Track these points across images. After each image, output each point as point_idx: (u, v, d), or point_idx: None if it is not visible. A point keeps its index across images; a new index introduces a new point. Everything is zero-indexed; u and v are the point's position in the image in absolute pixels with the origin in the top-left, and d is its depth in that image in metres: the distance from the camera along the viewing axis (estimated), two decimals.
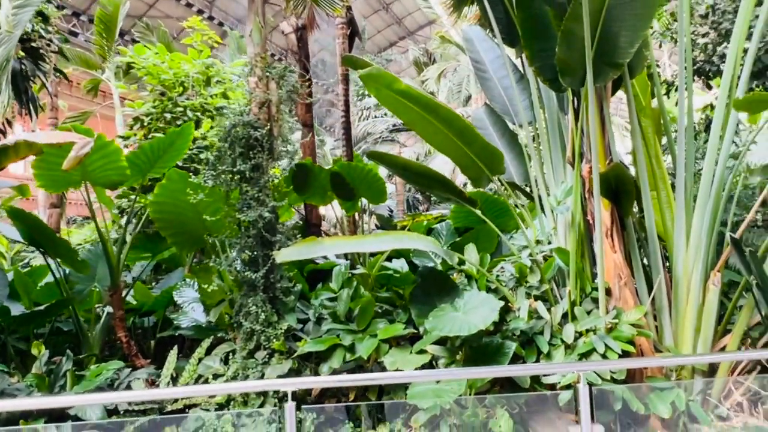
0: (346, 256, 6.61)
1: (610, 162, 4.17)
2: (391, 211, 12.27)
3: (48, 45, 6.60)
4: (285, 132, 4.44)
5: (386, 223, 8.47)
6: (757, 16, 4.23)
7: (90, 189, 5.06)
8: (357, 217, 6.65)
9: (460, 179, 11.93)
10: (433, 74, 14.95)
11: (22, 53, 5.75)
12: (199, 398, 4.28)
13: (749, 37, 4.44)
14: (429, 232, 7.06)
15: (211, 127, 8.02)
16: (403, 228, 7.48)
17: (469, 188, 8.16)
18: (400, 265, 4.95)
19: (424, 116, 3.88)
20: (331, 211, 9.22)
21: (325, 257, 6.19)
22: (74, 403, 3.70)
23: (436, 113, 3.87)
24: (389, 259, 5.66)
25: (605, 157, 4.20)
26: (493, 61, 6.11)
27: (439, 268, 5.17)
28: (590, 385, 3.04)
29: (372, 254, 6.05)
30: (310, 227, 6.54)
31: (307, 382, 3.51)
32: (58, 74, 7.09)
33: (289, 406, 2.63)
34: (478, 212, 5.08)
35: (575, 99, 4.35)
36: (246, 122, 4.24)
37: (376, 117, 17.73)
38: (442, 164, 11.09)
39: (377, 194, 5.39)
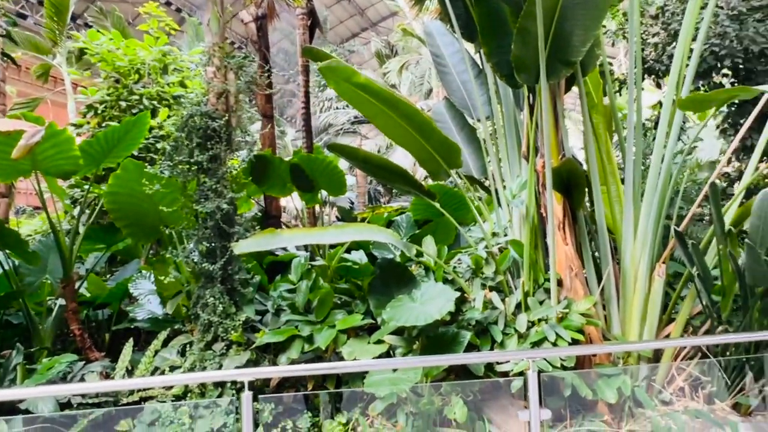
0: (306, 247, 6.62)
1: (563, 157, 4.31)
2: (352, 203, 12.31)
3: None
4: (244, 123, 4.40)
5: (347, 215, 8.50)
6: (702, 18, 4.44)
7: (41, 178, 4.90)
8: (318, 209, 6.66)
9: (420, 172, 12.05)
10: (394, 67, 14.99)
11: None
12: (155, 390, 4.24)
13: (696, 38, 4.66)
14: (389, 224, 7.14)
15: (169, 116, 7.86)
16: (362, 220, 7.53)
17: (431, 182, 8.29)
18: (359, 257, 5.00)
19: (384, 110, 3.93)
20: (292, 202, 9.20)
21: (285, 249, 6.18)
22: (27, 395, 3.61)
23: (396, 107, 3.92)
24: (349, 251, 5.71)
25: (558, 152, 4.34)
26: (453, 56, 6.20)
27: (398, 260, 5.25)
28: (540, 372, 3.16)
29: (332, 246, 6.08)
30: (270, 219, 6.51)
31: (263, 372, 3.53)
32: (5, 59, 6.78)
33: (246, 395, 2.65)
34: (437, 205, 5.16)
35: (530, 95, 4.47)
36: (203, 112, 4.19)
37: (337, 108, 17.66)
38: (403, 157, 11.18)
39: (337, 186, 5.42)
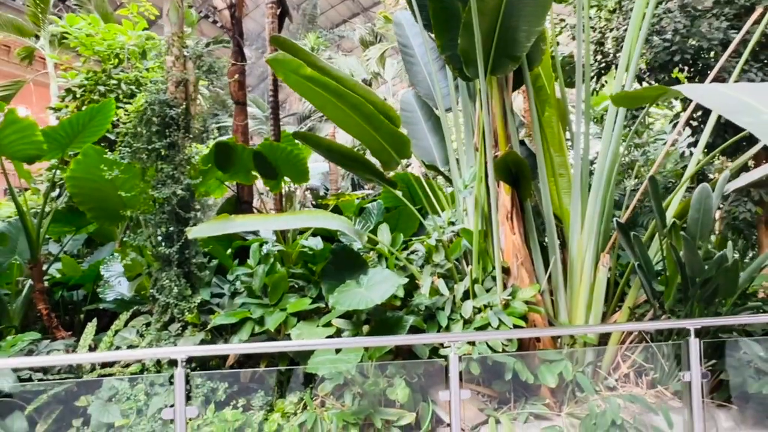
0: (275, 233, 6.75)
1: (510, 148, 4.44)
2: (327, 189, 12.42)
3: None
4: (205, 111, 4.51)
5: (317, 201, 8.61)
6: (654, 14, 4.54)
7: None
8: (284, 195, 6.79)
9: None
10: (374, 54, 15.00)
11: None
12: (114, 368, 4.41)
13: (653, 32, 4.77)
14: (361, 211, 7.27)
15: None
16: (326, 207, 7.67)
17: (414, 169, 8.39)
18: (315, 243, 5.14)
19: (333, 101, 4.04)
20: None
21: (255, 234, 6.33)
22: None
23: (343, 99, 4.03)
24: (326, 238, 5.84)
25: (506, 143, 4.47)
26: (420, 47, 6.29)
27: (359, 247, 5.40)
28: (461, 355, 3.31)
29: (301, 232, 6.23)
30: (242, 204, 6.65)
31: (195, 350, 3.69)
32: None
33: (178, 372, 2.81)
34: (399, 193, 5.31)
35: (481, 88, 4.59)
36: (162, 101, 4.30)
37: None
38: None
39: (299, 173, 5.55)
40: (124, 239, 4.61)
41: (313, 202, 8.84)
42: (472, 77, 4.29)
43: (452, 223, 5.13)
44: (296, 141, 6.05)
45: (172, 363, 4.35)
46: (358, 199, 8.17)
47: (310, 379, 4.37)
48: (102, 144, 5.98)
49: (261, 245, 4.93)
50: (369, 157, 7.27)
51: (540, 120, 4.48)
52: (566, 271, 4.80)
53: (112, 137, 7.03)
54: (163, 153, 4.31)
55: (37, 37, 11.26)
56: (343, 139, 12.90)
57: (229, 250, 5.76)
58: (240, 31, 6.98)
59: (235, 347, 3.73)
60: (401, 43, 6.41)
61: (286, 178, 6.09)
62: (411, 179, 6.52)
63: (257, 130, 14.63)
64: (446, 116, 5.48)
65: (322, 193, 11.25)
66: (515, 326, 4.20)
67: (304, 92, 4.12)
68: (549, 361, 4.39)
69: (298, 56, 5.02)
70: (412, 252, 5.24)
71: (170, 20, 4.37)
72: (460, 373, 3.24)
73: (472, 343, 4.10)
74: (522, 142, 5.33)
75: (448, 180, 6.10)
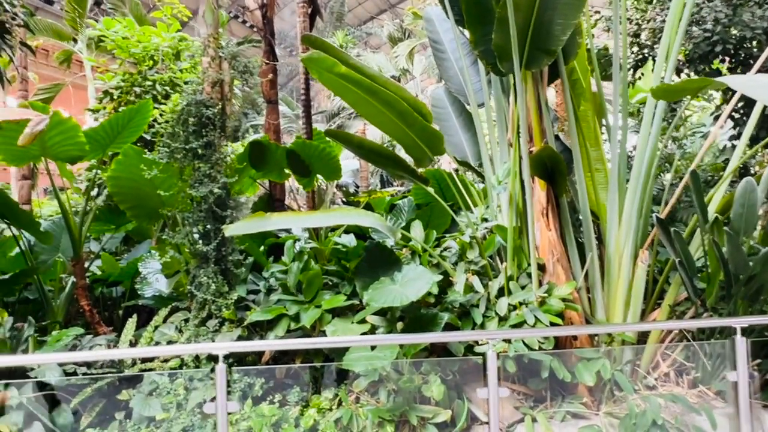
0: (308, 230, 6.82)
1: (546, 144, 4.37)
2: (357, 186, 12.45)
3: (13, 19, 6.61)
4: (237, 111, 4.59)
5: (348, 199, 8.64)
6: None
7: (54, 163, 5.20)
8: (317, 192, 6.84)
9: None
10: (403, 51, 14.94)
11: None
12: (155, 363, 4.52)
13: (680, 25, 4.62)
14: (392, 208, 7.28)
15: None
16: (357, 204, 7.70)
17: (445, 165, 8.37)
18: (348, 240, 5.17)
19: (366, 99, 4.05)
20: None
21: (288, 231, 6.40)
22: (27, 362, 3.92)
23: (377, 96, 4.03)
24: (358, 235, 5.88)
25: (542, 139, 4.41)
26: (451, 42, 6.25)
27: (392, 244, 5.41)
28: (499, 353, 3.29)
29: (333, 229, 6.27)
30: (274, 202, 6.73)
31: (235, 345, 3.75)
32: (24, 48, 7.10)
33: (219, 367, 2.86)
34: (431, 190, 5.29)
35: (515, 83, 4.53)
36: (198, 101, 4.38)
37: None
38: None
39: (332, 171, 5.58)
40: (163, 237, 4.71)
41: (343, 199, 8.89)
42: (507, 72, 4.24)
43: (485, 220, 5.09)
44: (328, 139, 6.08)
45: (211, 358, 4.45)
46: (388, 196, 8.17)
47: (344, 376, 4.40)
48: (138, 144, 6.13)
49: (294, 242, 4.98)
50: (400, 153, 7.28)
51: (576, 114, 4.40)
52: (603, 267, 4.71)
53: (148, 137, 7.21)
54: (200, 152, 4.38)
55: (75, 40, 11.59)
56: (373, 136, 12.92)
57: (262, 248, 5.85)
58: (271, 30, 7.06)
59: (274, 343, 3.77)
60: (432, 39, 6.38)
61: (318, 176, 6.16)
62: (443, 176, 6.49)
63: (287, 128, 14.77)
64: (478, 112, 5.42)
65: (352, 190, 11.29)
66: (552, 324, 4.15)
67: (337, 90, 4.14)
68: (587, 359, 4.32)
69: (330, 54, 5.06)
70: (445, 249, 5.22)
71: (206, 21, 4.44)
72: (498, 370, 3.20)
73: (508, 341, 4.07)
74: (556, 137, 5.24)
75: (480, 176, 6.05)
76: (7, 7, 6.33)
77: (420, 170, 5.97)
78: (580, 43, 4.23)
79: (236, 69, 4.46)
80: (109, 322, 5.67)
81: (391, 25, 17.67)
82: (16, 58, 7.39)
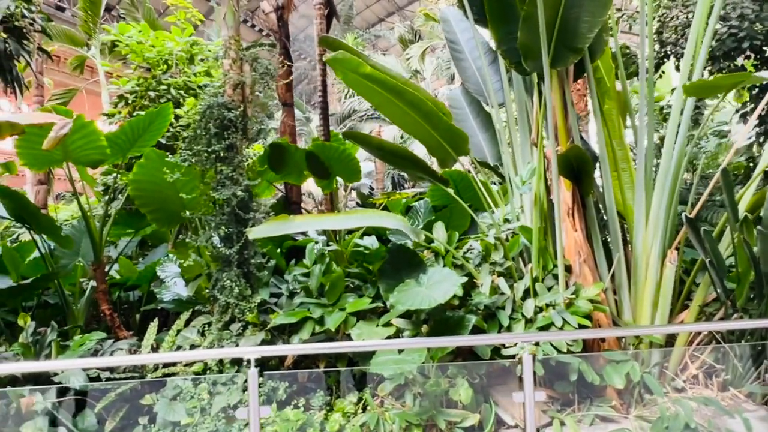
0: (325, 232, 6.79)
1: (572, 143, 4.31)
2: (372, 188, 12.39)
3: (31, 24, 6.63)
4: (259, 113, 4.56)
5: (365, 201, 8.60)
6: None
7: (73, 167, 5.20)
8: (335, 194, 6.81)
9: None
10: (416, 52, 14.90)
11: (4, 34, 5.80)
12: (177, 367, 4.49)
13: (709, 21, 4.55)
14: (408, 209, 7.23)
15: (195, 105, 8.09)
16: (377, 206, 7.65)
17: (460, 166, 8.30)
18: (370, 242, 5.13)
19: (391, 99, 4.01)
20: (316, 188, 9.36)
21: (304, 234, 6.37)
22: (53, 367, 3.90)
23: (402, 97, 4.00)
24: (369, 235, 5.83)
25: (567, 138, 4.35)
26: (468, 42, 6.20)
27: (411, 245, 5.36)
28: (535, 355, 3.23)
29: (350, 231, 6.23)
30: (291, 204, 6.70)
31: (268, 350, 3.71)
32: (41, 53, 7.12)
33: (252, 372, 2.82)
34: (451, 191, 5.24)
35: (539, 82, 4.48)
36: (220, 103, 4.36)
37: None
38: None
39: (351, 173, 5.54)
40: (186, 240, 4.69)
41: (359, 202, 8.84)
42: (532, 71, 4.19)
43: (507, 221, 5.03)
44: (345, 140, 6.06)
45: (235, 362, 4.42)
46: (404, 198, 8.12)
47: (367, 379, 4.36)
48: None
49: (314, 245, 4.95)
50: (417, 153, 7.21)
51: (603, 113, 4.34)
52: (629, 268, 4.63)
53: (163, 141, 7.21)
54: (222, 155, 4.36)
55: (88, 46, 11.65)
56: (388, 137, 12.87)
57: (278, 250, 5.82)
58: (287, 33, 7.05)
59: (305, 347, 3.74)
60: (449, 39, 6.33)
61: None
62: (462, 177, 6.44)
63: (297, 131, 14.76)
64: (498, 112, 5.37)
65: (366, 192, 11.24)
66: (580, 326, 4.09)
67: (362, 91, 4.10)
68: (615, 362, 4.25)
69: (347, 51, 5.03)
70: (467, 250, 5.16)
71: (226, 23, 4.42)
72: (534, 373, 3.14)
73: (536, 344, 4.00)
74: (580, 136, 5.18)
75: (500, 176, 6.00)
76: (26, 12, 6.35)
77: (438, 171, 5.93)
78: (606, 40, 4.17)
79: (257, 71, 4.43)
80: (127, 326, 5.65)
81: (402, 26, 17.65)
82: (33, 64, 7.41)
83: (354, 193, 9.82)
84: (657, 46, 5.95)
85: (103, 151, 4.74)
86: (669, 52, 5.59)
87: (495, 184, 7.79)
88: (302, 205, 7.62)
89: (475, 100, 6.30)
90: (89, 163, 4.95)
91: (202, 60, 9.12)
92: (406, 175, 17.25)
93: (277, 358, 4.60)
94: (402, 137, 13.89)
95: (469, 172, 5.88)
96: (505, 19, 4.32)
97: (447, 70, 16.27)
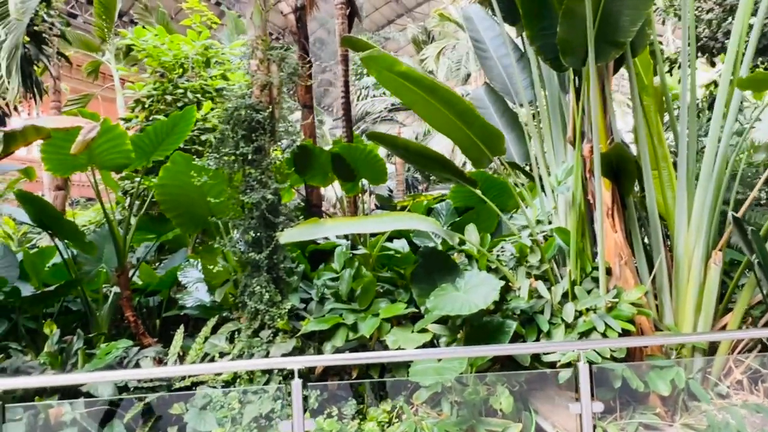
0: (347, 236, 6.67)
1: (612, 141, 4.17)
2: (391, 191, 12.26)
3: (50, 29, 6.58)
4: (286, 114, 4.45)
5: (386, 204, 8.48)
6: None
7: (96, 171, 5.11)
8: (358, 197, 6.69)
9: (459, 158, 11.89)
10: (432, 53, 14.77)
11: (26, 38, 5.74)
12: (205, 376, 4.38)
13: (755, 12, 4.39)
14: (429, 212, 7.09)
15: (212, 109, 8.03)
16: (403, 208, 7.51)
17: (469, 168, 8.17)
18: (401, 245, 5.00)
19: (425, 98, 3.89)
20: (331, 191, 9.23)
21: (326, 238, 6.25)
22: (88, 380, 3.81)
23: (437, 94, 3.87)
24: (390, 239, 5.72)
25: (606, 136, 4.20)
26: (493, 40, 6.08)
27: (440, 248, 5.23)
28: (590, 363, 3.09)
29: (372, 234, 6.11)
30: (311, 208, 6.59)
31: (312, 360, 3.59)
32: (60, 57, 7.07)
33: (296, 383, 2.70)
34: (479, 192, 5.11)
35: (576, 78, 4.34)
36: (248, 105, 4.25)
37: (374, 96, 17.60)
38: (438, 144, 11.07)
39: (378, 175, 5.42)
40: (214, 245, 4.59)
41: (377, 204, 8.74)
42: (571, 67, 4.05)
43: (539, 222, 4.89)
44: (368, 142, 5.94)
45: (264, 371, 4.30)
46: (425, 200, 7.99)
47: (401, 386, 4.23)
48: None
49: (344, 249, 4.82)
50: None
51: (644, 110, 4.19)
52: (671, 270, 4.48)
53: (181, 145, 7.13)
54: (250, 157, 4.25)
55: (103, 51, 11.64)
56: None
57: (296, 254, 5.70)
58: (306, 34, 6.95)
59: (349, 357, 3.65)
60: (473, 37, 6.22)
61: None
62: (486, 177, 6.31)
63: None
64: (528, 111, 5.23)
65: (386, 194, 11.11)
66: (623, 330, 3.94)
67: (395, 89, 3.98)
68: (659, 368, 4.10)
69: None
70: (498, 252, 5.02)
71: (254, 23, 4.32)
72: (591, 383, 3.00)
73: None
74: None
75: (528, 177, 5.86)
76: (45, 17, 6.31)
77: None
78: (648, 34, 4.03)
79: (284, 71, 4.33)
80: (148, 332, 5.54)
81: (415, 27, 17.55)
82: (51, 68, 7.37)
83: (371, 196, 9.70)
84: None
85: (128, 155, 4.65)
86: (703, 47, 5.43)
87: (518, 185, 7.65)
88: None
89: (499, 99, 6.17)
90: (114, 167, 4.86)
91: (217, 63, 9.07)
92: (419, 177, 17.19)
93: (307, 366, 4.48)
94: (416, 138, 13.76)
95: (495, 172, 5.76)
96: (540, 15, 4.18)
97: (457, 71, 16.15)
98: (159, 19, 11.07)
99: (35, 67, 6.53)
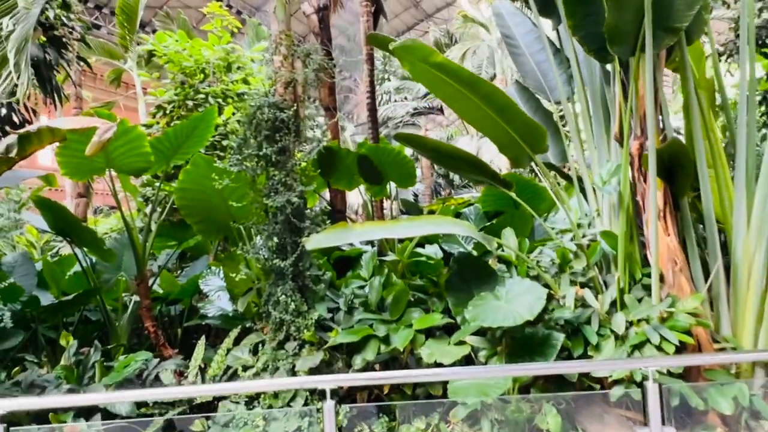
0: (371, 242, 6.40)
1: (664, 138, 3.84)
2: (416, 195, 11.96)
3: (70, 33, 6.48)
4: (312, 113, 4.22)
5: (412, 208, 8.20)
6: None
7: (115, 177, 4.95)
8: (382, 202, 6.43)
9: (485, 160, 11.54)
10: (456, 54, 14.51)
11: (44, 39, 5.62)
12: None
13: None
14: (456, 216, 6.80)
15: (233, 114, 7.89)
16: (431, 213, 7.22)
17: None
18: (433, 251, 4.71)
19: (462, 92, 3.61)
20: (351, 197, 8.96)
21: (351, 244, 5.99)
22: (105, 401, 3.59)
23: (475, 89, 3.60)
24: (417, 245, 5.44)
25: (658, 132, 3.88)
26: (525, 36, 5.80)
27: (474, 253, 4.93)
28: (660, 384, 2.76)
29: (400, 240, 5.84)
30: (335, 213, 6.33)
31: (347, 379, 3.31)
32: (81, 62, 6.98)
33: (328, 406, 2.42)
34: (513, 195, 4.81)
35: (622, 70, 4.03)
36: (271, 103, 4.03)
37: (396, 101, 17.40)
38: (466, 148, 10.77)
39: (406, 177, 5.15)
40: (236, 251, 4.36)
41: (402, 209, 8.46)
42: (619, 57, 3.75)
43: (580, 225, 4.56)
44: (396, 144, 5.68)
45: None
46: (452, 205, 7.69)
47: (436, 402, 3.93)
48: None
49: (373, 255, 4.55)
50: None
51: (700, 104, 3.86)
52: (728, 277, 4.11)
53: (202, 150, 6.97)
54: (274, 159, 4.02)
55: (125, 60, 11.64)
56: None
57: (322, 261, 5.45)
58: (329, 35, 6.74)
59: (387, 375, 3.39)
60: (503, 33, 5.94)
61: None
62: (517, 179, 5.99)
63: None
64: (568, 107, 4.91)
65: (410, 199, 10.82)
66: (681, 344, 3.60)
67: (430, 82, 3.72)
68: (719, 384, 3.74)
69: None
70: (536, 258, 4.70)
71: (277, 17, 4.11)
72: (662, 405, 2.67)
73: None
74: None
75: (565, 177, 5.53)
76: (65, 21, 6.20)
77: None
78: (706, 20, 3.71)
79: (310, 67, 4.10)
80: (168, 342, 5.34)
81: (438, 30, 17.33)
82: (73, 74, 7.29)
83: (388, 203, 9.42)
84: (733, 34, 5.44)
85: (147, 158, 4.46)
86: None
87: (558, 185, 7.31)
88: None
89: (532, 97, 5.87)
90: (132, 171, 4.68)
91: (239, 68, 8.95)
92: (442, 181, 16.89)
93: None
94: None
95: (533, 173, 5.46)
96: (582, 3, 3.89)
97: (479, 73, 15.85)
98: (180, 26, 11.02)
99: (56, 73, 6.43)
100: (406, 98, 16.72)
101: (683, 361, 3.39)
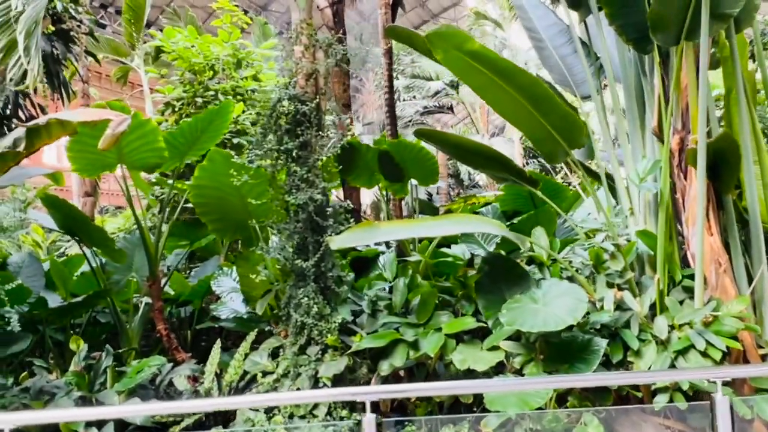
0: (387, 243, 6.20)
1: (709, 131, 3.64)
2: (430, 195, 11.73)
3: (79, 26, 6.31)
4: (333, 106, 4.03)
5: (427, 208, 8.00)
6: None
7: (125, 175, 4.76)
8: (402, 199, 6.22)
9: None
10: None
11: (52, 29, 5.43)
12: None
13: None
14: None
15: (243, 111, 7.72)
16: (448, 212, 7.02)
17: None
18: (460, 251, 4.51)
19: (496, 81, 3.42)
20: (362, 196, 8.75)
21: (366, 244, 5.79)
22: (118, 414, 3.39)
23: (511, 79, 3.40)
24: (438, 246, 5.25)
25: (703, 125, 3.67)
26: (548, 29, 5.60)
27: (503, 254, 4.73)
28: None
29: (419, 240, 5.65)
30: (351, 212, 6.14)
31: (388, 390, 3.11)
32: (88, 57, 6.80)
33: (368, 419, 2.22)
34: (539, 193, 4.62)
35: (662, 61, 3.82)
36: (293, 95, 3.84)
37: (404, 100, 17.22)
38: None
39: (428, 174, 4.95)
40: (256, 251, 4.16)
41: (416, 208, 8.26)
42: (662, 45, 3.55)
43: (613, 225, 4.36)
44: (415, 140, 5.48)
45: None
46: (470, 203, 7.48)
47: (463, 409, 3.73)
48: None
49: (395, 256, 4.35)
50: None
51: (747, 96, 3.65)
52: None
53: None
54: (295, 154, 3.83)
55: (132, 57, 11.46)
56: None
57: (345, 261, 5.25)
58: (343, 29, 6.55)
59: (426, 387, 3.17)
60: (526, 26, 5.74)
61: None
62: (539, 177, 5.80)
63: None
64: (599, 101, 4.71)
65: (425, 198, 10.60)
66: (728, 349, 3.39)
67: (462, 72, 3.52)
68: (765, 391, 3.54)
69: (417, 43, 4.47)
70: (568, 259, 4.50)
71: (298, 6, 3.92)
72: (732, 422, 2.47)
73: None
74: None
75: (592, 174, 5.33)
76: (73, 13, 6.02)
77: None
78: (757, 5, 3.50)
79: (332, 58, 3.90)
80: (179, 344, 5.15)
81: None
82: (81, 69, 7.12)
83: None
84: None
85: (161, 153, 4.27)
86: None
87: (571, 185, 7.11)
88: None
89: (555, 92, 5.67)
90: (145, 167, 4.49)
91: (248, 65, 8.78)
92: (452, 181, 16.66)
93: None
94: None
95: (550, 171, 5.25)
96: None
97: None
98: (188, 23, 10.84)
99: (63, 68, 6.26)
100: (414, 97, 16.51)
101: (753, 372, 3.17)
